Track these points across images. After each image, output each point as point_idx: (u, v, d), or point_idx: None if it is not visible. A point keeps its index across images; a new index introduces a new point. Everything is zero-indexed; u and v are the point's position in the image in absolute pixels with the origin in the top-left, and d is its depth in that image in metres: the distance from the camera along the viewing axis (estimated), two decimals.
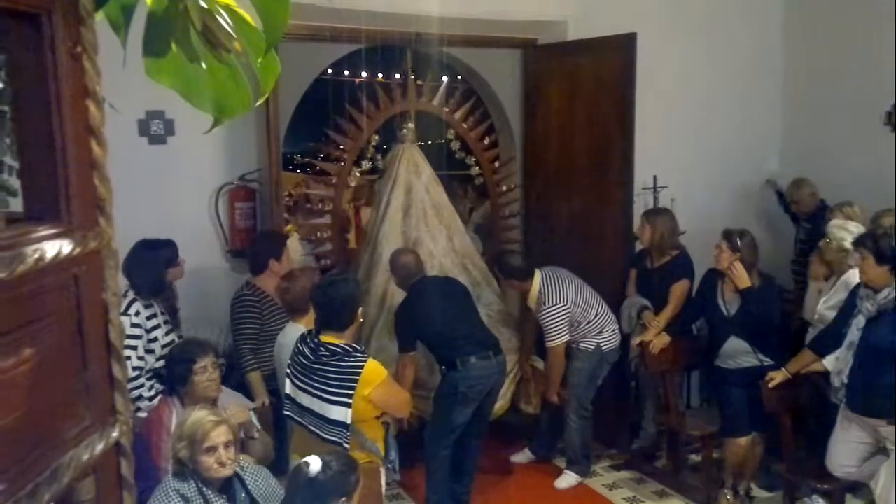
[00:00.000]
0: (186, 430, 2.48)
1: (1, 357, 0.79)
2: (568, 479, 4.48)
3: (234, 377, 3.73)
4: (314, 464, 2.44)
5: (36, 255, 0.83)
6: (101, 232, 0.98)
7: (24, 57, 0.91)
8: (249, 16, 1.18)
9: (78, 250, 0.91)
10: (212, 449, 2.46)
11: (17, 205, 1.05)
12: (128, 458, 1.03)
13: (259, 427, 3.18)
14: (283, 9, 1.19)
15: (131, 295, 3.40)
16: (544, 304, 4.24)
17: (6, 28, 0.91)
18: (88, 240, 0.94)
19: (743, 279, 3.92)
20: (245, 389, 3.64)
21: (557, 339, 4.25)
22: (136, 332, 3.35)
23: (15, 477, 0.82)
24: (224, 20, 1.15)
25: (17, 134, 0.95)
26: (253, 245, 4.09)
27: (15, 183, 1.26)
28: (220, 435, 2.48)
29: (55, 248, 0.87)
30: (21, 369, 0.82)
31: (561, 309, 4.24)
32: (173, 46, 1.15)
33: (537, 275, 4.30)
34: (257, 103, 1.30)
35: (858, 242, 3.42)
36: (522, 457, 4.75)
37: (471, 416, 3.96)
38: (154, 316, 3.46)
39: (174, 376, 3.11)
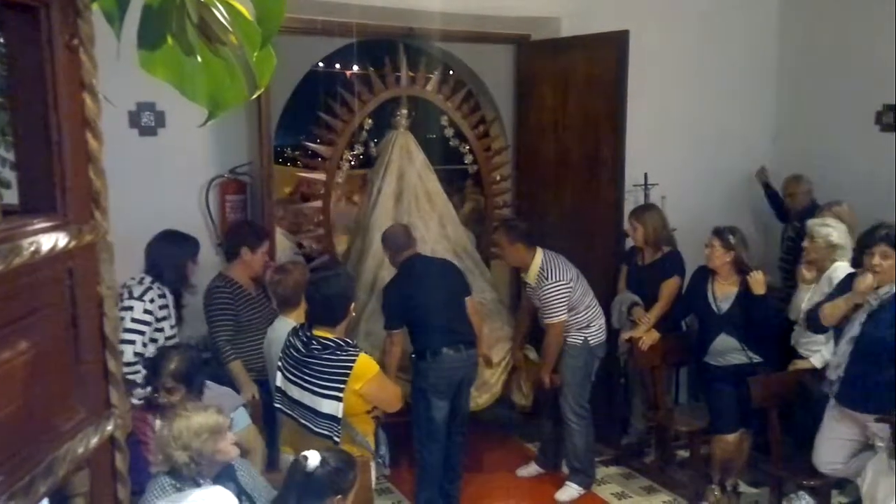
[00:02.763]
0: (203, 426, 2.49)
1: None
2: (569, 492, 4.36)
3: (211, 370, 3.72)
4: (312, 458, 2.44)
5: (32, 248, 0.83)
6: (96, 225, 0.97)
7: (21, 49, 0.90)
8: (245, 9, 1.17)
9: (73, 243, 0.91)
10: (226, 435, 2.56)
11: (9, 197, 1.04)
12: (122, 451, 1.03)
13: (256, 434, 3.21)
14: (279, 2, 1.19)
15: (147, 282, 3.42)
16: (547, 279, 4.17)
17: (4, 20, 0.90)
18: (84, 233, 0.94)
19: (761, 285, 3.89)
20: (231, 383, 3.63)
21: (557, 315, 4.17)
22: (147, 318, 3.37)
23: (11, 469, 0.82)
24: (220, 13, 1.14)
25: (13, 126, 0.95)
26: (228, 233, 4.10)
27: (8, 175, 1.25)
28: (226, 421, 2.59)
29: (51, 240, 0.87)
30: (17, 362, 0.82)
31: (563, 286, 4.17)
32: (169, 39, 1.15)
33: (539, 251, 4.24)
34: (252, 97, 1.29)
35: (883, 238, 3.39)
36: (529, 470, 4.64)
37: (448, 412, 3.95)
38: (165, 307, 3.49)
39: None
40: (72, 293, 0.92)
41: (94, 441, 0.95)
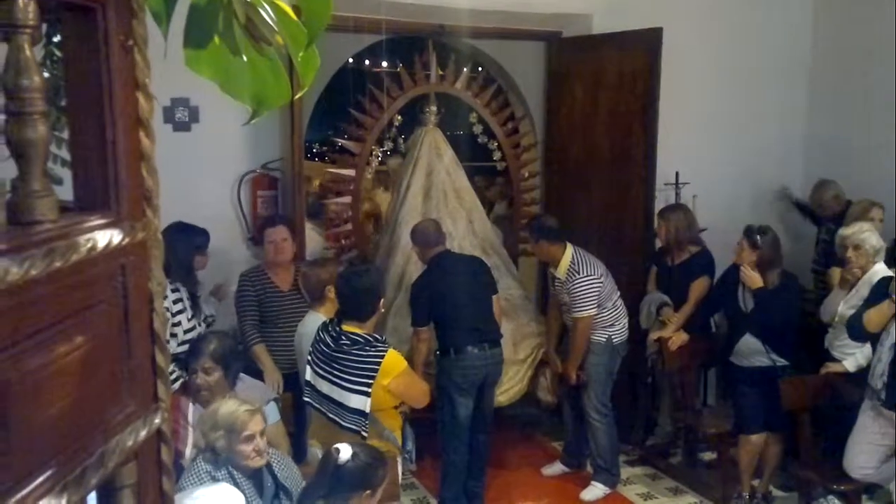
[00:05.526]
0: (222, 419, 2.49)
1: (56, 344, 0.81)
2: (594, 492, 4.34)
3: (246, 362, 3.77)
4: (344, 451, 2.46)
5: (88, 245, 0.85)
6: (148, 222, 0.99)
7: (77, 49, 0.92)
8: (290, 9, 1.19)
9: (127, 240, 0.93)
10: (250, 438, 2.49)
11: (59, 193, 1.06)
12: (168, 444, 1.04)
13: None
14: (325, 3, 1.20)
15: None
16: (578, 273, 4.16)
17: (61, 20, 0.92)
18: (137, 230, 0.95)
19: (754, 280, 3.87)
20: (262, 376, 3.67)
21: (587, 309, 4.17)
22: None
23: (64, 461, 0.83)
24: (267, 13, 1.15)
25: (69, 125, 0.97)
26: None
27: (60, 172, 1.28)
28: (256, 424, 2.51)
29: (106, 237, 0.88)
30: (72, 356, 0.84)
31: (594, 280, 4.17)
32: (216, 39, 1.16)
33: (569, 246, 4.24)
34: (297, 97, 1.31)
35: None
36: (554, 469, 4.63)
37: (472, 410, 3.96)
38: (179, 300, 3.51)
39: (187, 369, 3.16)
40: (124, 289, 0.94)
41: (143, 434, 0.97)
